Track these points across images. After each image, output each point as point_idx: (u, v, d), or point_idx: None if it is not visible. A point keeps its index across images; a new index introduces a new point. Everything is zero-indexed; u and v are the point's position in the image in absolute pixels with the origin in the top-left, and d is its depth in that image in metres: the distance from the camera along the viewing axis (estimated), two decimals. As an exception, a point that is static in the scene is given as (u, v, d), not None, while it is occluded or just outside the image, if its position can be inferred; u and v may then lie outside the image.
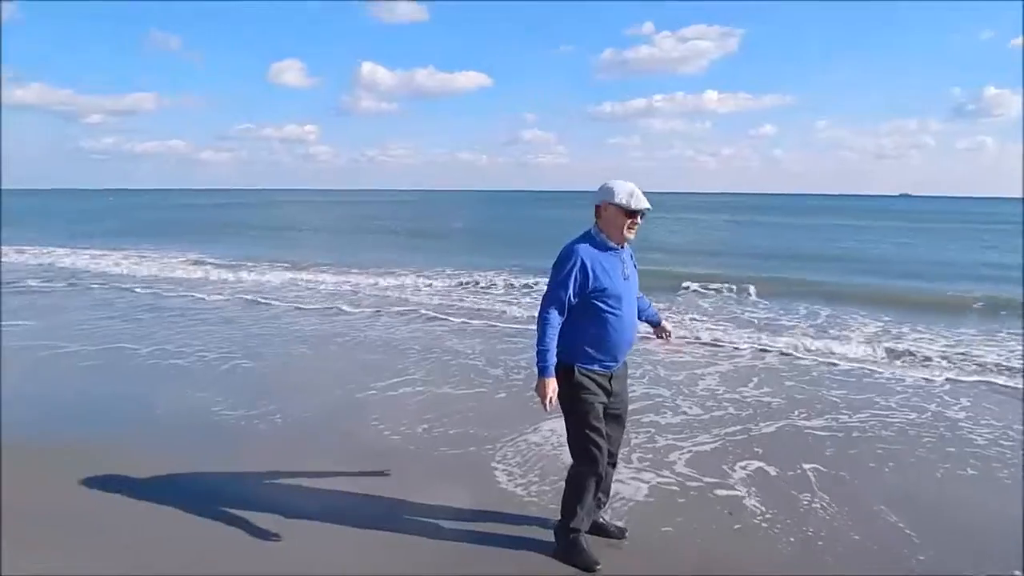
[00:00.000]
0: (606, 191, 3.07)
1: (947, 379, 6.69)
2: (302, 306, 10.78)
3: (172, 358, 7.19)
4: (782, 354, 7.65)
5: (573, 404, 3.10)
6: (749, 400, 5.91)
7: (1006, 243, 26.93)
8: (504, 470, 4.38)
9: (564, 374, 3.07)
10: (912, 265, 18.33)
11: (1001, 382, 6.57)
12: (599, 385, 3.12)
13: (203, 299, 11.37)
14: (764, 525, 3.69)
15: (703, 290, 12.46)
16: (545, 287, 3.13)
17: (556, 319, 3.02)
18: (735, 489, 4.12)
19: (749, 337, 8.44)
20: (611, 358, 3.14)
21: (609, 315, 3.06)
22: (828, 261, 18.97)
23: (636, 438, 4.88)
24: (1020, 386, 6.40)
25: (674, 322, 9.16)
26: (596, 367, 3.11)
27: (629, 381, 3.50)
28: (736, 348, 7.92)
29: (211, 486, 4.05)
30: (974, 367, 7.13)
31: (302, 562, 3.26)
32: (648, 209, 3.08)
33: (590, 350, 3.09)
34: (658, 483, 4.20)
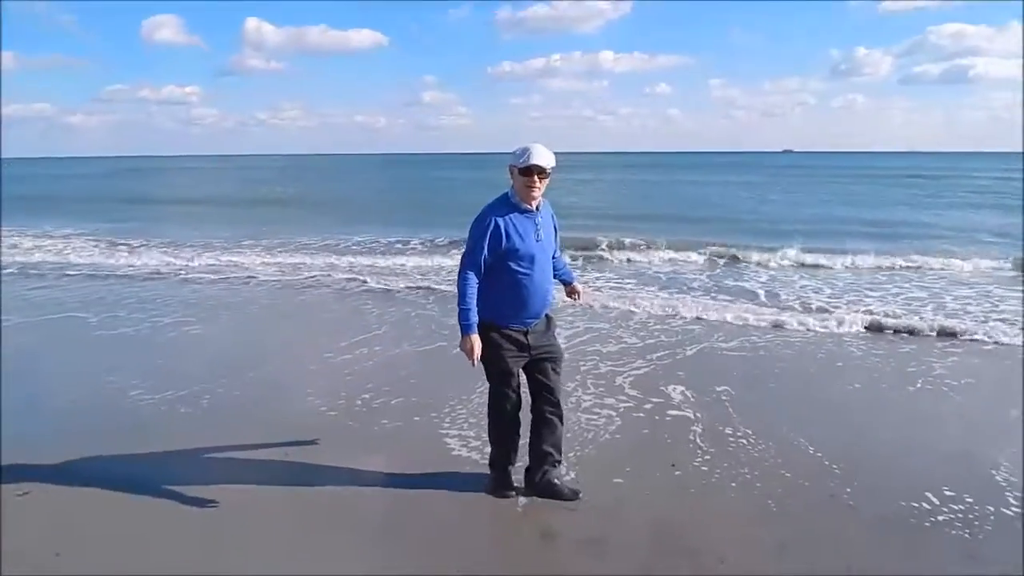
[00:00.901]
0: (511, 157, 3.21)
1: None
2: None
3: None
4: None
5: (487, 361, 3.33)
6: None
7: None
8: (457, 435, 4.38)
9: (482, 332, 3.26)
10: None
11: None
12: (513, 341, 3.32)
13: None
14: (704, 470, 3.91)
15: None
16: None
17: (473, 279, 3.20)
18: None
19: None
20: (527, 315, 3.31)
21: (521, 275, 3.23)
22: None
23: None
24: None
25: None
26: (512, 324, 3.30)
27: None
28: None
29: (131, 470, 3.83)
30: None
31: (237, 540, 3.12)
32: (543, 167, 3.15)
33: (505, 308, 3.28)
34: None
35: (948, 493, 3.58)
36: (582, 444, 4.25)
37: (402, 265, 11.47)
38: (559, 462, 3.60)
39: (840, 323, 7.13)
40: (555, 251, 3.51)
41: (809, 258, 11.31)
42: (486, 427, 3.68)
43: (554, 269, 3.52)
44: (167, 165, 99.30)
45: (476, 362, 3.26)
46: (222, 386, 5.33)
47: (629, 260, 12.01)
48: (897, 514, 3.40)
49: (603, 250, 12.54)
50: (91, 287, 9.84)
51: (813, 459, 4.03)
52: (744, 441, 4.29)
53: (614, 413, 4.75)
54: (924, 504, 3.48)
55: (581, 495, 3.52)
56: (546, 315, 3.45)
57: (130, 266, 11.70)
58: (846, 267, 10.83)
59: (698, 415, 4.69)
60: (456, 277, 3.27)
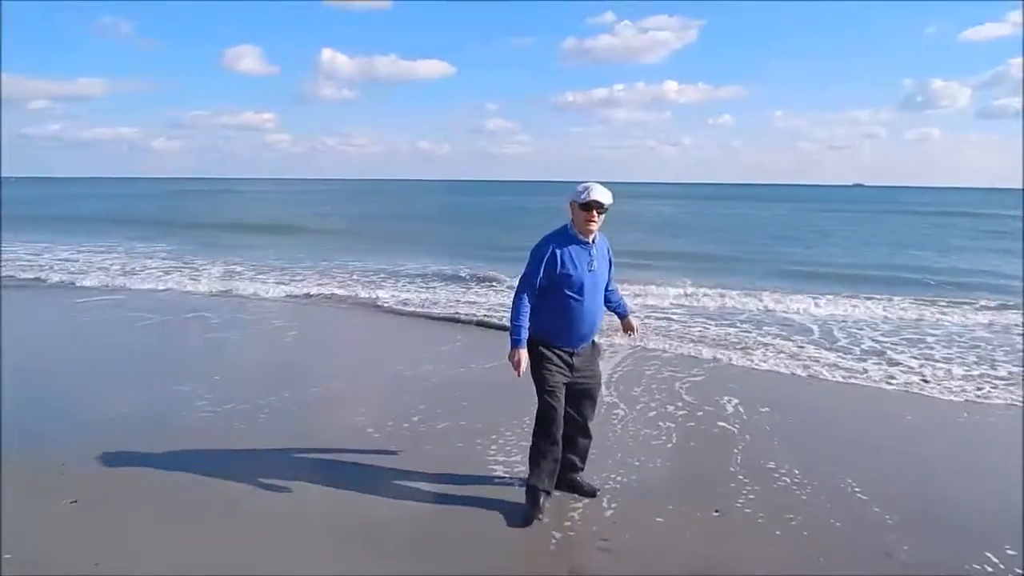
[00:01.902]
0: (571, 192, 3.50)
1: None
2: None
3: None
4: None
5: (535, 373, 3.55)
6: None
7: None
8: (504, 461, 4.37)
9: (531, 347, 3.54)
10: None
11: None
12: (561, 359, 3.55)
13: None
14: (748, 511, 3.73)
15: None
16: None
17: (526, 299, 3.49)
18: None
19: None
20: (575, 338, 3.56)
21: (572, 301, 3.49)
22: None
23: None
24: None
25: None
26: (561, 345, 3.55)
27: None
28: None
29: (178, 479, 3.89)
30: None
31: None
32: (601, 203, 3.42)
33: (555, 329, 3.54)
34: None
35: (1010, 553, 3.31)
36: (627, 471, 4.19)
37: (484, 296, 10.98)
38: (581, 469, 3.86)
39: (900, 373, 6.64)
40: (609, 282, 3.76)
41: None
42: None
43: (608, 300, 3.81)
44: (245, 188, 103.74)
45: (521, 375, 3.50)
46: (281, 401, 5.48)
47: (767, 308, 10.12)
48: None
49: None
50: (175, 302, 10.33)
51: (865, 507, 3.79)
52: (789, 480, 4.10)
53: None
54: (986, 566, 3.22)
55: (598, 493, 3.81)
56: (592, 341, 3.70)
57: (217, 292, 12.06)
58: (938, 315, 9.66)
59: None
60: (513, 296, 3.59)
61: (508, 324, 3.57)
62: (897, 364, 6.94)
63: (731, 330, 8.50)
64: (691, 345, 7.61)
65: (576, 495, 3.81)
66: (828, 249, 21.18)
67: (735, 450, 4.59)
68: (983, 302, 10.58)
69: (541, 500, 3.58)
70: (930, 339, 8.12)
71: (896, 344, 7.84)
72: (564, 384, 3.58)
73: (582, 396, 3.69)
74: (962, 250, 20.88)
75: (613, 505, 3.76)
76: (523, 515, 3.58)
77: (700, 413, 5.33)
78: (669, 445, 4.69)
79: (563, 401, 3.58)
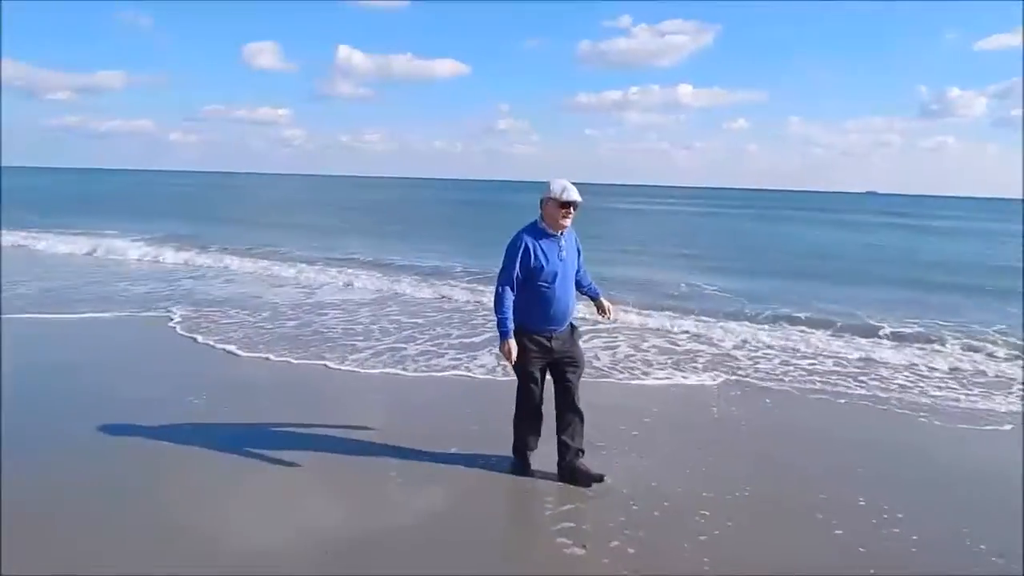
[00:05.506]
0: (546, 189, 3.79)
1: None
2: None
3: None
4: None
5: (515, 361, 3.85)
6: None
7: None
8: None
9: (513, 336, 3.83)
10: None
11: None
12: (538, 344, 3.86)
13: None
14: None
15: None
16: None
17: (508, 292, 3.77)
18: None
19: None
20: (551, 323, 3.86)
21: (544, 289, 3.79)
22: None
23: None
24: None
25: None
26: (539, 329, 3.85)
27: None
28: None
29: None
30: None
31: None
32: (577, 202, 3.76)
33: (532, 316, 3.83)
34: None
35: None
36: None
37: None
38: (582, 451, 3.99)
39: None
40: (579, 269, 4.08)
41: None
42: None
43: (580, 285, 4.15)
44: (266, 183, 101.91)
45: (514, 363, 3.82)
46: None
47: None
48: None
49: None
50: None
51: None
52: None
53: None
54: None
55: (606, 479, 3.90)
56: (571, 324, 4.00)
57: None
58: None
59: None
60: (494, 292, 3.85)
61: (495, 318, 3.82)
62: None
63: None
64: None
65: (586, 490, 3.84)
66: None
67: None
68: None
69: (527, 454, 4.12)
70: None
71: None
72: (543, 367, 3.93)
73: (565, 370, 3.94)
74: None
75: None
76: (512, 467, 4.10)
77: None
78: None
79: (540, 382, 3.96)
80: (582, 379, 4.04)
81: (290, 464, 4.12)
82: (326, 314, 8.85)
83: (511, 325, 3.76)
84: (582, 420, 3.99)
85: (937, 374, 6.82)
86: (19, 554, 3.04)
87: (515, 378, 4.03)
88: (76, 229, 18.82)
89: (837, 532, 3.51)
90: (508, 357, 3.79)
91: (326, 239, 18.97)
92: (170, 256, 14.12)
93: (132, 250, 14.77)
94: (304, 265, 13.25)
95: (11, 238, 16.35)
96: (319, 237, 19.56)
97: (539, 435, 4.13)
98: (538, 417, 4.04)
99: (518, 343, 3.80)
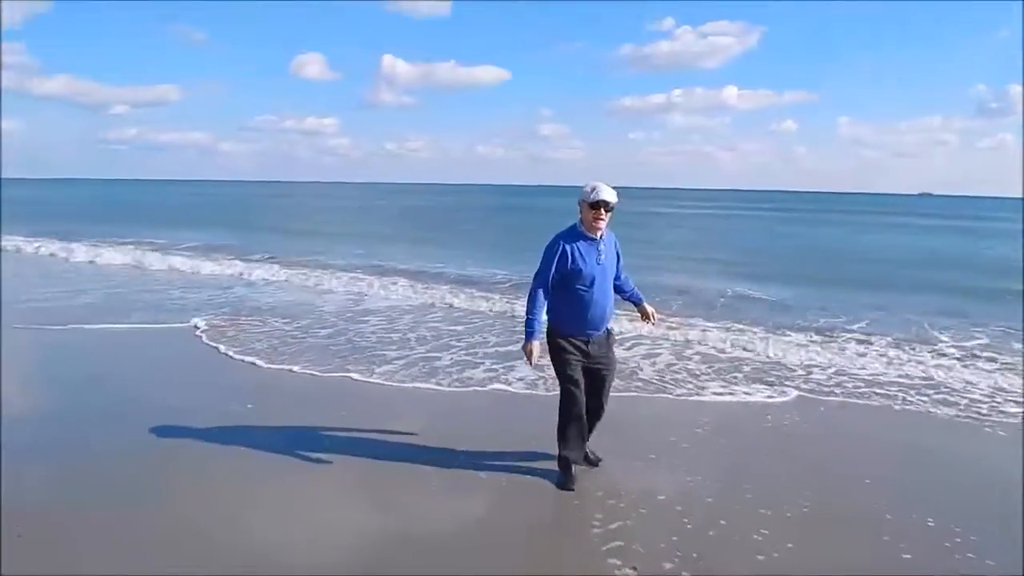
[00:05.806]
0: (580, 192, 3.76)
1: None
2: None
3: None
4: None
5: (556, 363, 3.87)
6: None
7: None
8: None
9: (549, 339, 3.86)
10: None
11: None
12: (576, 347, 3.82)
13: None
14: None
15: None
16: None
17: (541, 295, 3.77)
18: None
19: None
20: (588, 327, 3.82)
21: (582, 293, 3.75)
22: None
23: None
24: None
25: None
26: (575, 334, 3.82)
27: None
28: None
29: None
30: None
31: None
32: (608, 202, 3.67)
33: (568, 320, 3.82)
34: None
35: None
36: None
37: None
38: (586, 440, 4.05)
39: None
40: (618, 274, 4.05)
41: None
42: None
43: (621, 291, 4.13)
44: (312, 192, 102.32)
45: (532, 364, 3.89)
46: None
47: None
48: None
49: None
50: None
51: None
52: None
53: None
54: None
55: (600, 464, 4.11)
56: (607, 329, 3.96)
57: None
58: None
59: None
60: (528, 291, 3.85)
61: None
62: None
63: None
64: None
65: (637, 507, 3.74)
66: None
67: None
68: None
69: (573, 468, 3.95)
70: None
71: None
72: (582, 369, 3.85)
73: (596, 380, 3.92)
74: None
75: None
76: (558, 481, 3.92)
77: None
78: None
79: (582, 384, 3.85)
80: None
81: (312, 469, 4.13)
82: (367, 321, 8.82)
83: (538, 327, 3.77)
84: (600, 415, 4.03)
85: (1016, 388, 6.22)
86: (29, 557, 3.07)
87: (556, 392, 3.95)
88: (129, 239, 19.46)
89: (906, 556, 3.28)
90: (528, 357, 3.79)
91: (374, 246, 19.13)
92: (223, 266, 14.16)
93: (205, 263, 14.49)
94: (355, 273, 13.30)
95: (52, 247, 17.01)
96: (367, 244, 19.77)
97: (585, 444, 4.02)
98: (583, 425, 3.92)
99: (556, 345, 3.81)
